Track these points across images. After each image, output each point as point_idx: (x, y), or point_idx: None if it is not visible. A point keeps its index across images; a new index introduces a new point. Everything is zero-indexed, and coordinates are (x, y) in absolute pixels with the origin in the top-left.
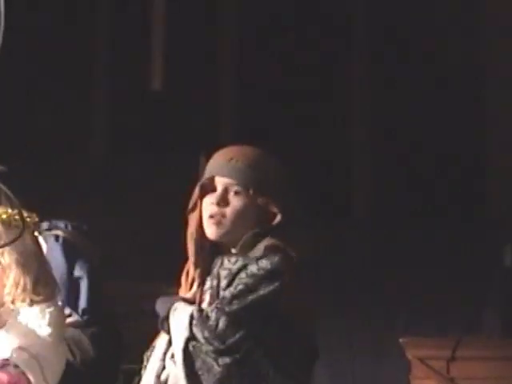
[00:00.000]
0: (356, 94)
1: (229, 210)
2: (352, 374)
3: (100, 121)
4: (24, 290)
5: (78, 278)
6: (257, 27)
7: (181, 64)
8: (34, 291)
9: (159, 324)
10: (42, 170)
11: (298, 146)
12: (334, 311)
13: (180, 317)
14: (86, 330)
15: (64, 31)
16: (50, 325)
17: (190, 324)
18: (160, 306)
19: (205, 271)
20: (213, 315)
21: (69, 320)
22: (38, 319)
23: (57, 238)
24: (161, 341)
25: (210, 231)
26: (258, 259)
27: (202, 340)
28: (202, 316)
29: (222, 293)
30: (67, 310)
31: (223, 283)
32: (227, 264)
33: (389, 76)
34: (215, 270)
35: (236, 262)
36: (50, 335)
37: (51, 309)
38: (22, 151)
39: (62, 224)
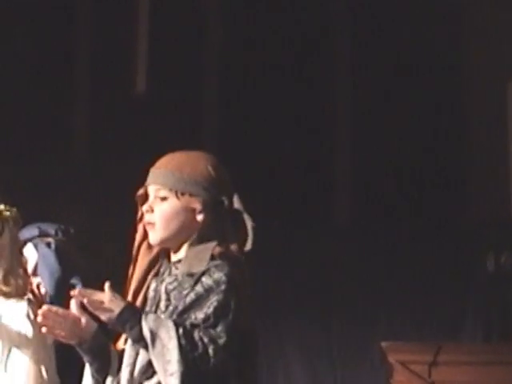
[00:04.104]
0: (338, 98)
1: (156, 215)
2: (334, 378)
3: (83, 122)
4: None
5: (74, 285)
6: (242, 27)
7: (165, 66)
8: (4, 281)
9: (127, 330)
10: (27, 171)
11: (279, 149)
12: (314, 316)
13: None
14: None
15: (45, 32)
16: (28, 319)
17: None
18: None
19: (146, 275)
20: (199, 343)
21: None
22: (19, 317)
23: (48, 244)
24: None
25: (149, 238)
26: (208, 271)
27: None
28: (188, 338)
29: (173, 300)
30: None
31: (170, 287)
32: (174, 270)
33: (373, 77)
34: (164, 276)
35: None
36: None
37: (30, 306)
38: (6, 153)
39: (51, 230)
